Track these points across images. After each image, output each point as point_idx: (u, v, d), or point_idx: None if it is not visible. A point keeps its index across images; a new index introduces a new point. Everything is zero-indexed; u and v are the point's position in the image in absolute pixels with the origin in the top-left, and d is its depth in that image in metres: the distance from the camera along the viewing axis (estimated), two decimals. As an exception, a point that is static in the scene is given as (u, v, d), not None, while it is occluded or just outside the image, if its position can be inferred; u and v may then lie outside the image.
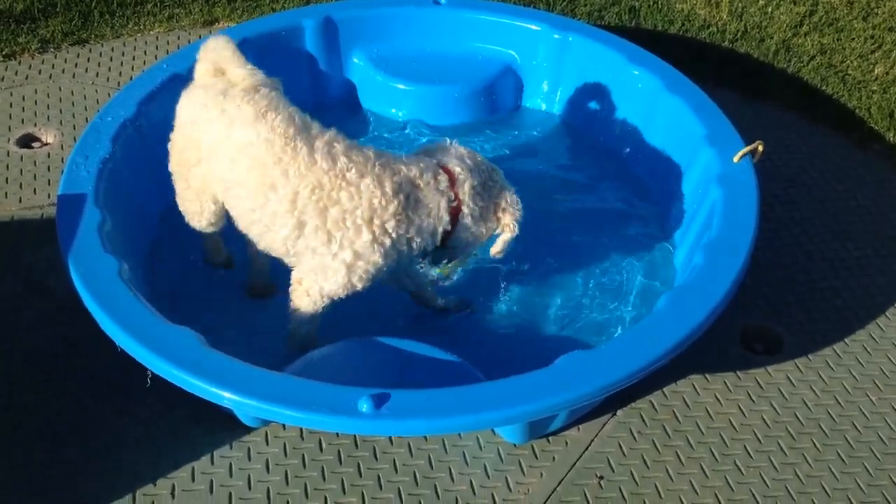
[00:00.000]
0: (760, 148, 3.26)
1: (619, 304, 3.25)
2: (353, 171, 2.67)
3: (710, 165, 3.29)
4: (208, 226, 3.08)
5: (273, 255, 2.89)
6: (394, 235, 2.71)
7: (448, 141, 2.91)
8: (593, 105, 3.96)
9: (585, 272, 3.37)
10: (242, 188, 2.76)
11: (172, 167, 3.03)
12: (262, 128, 2.69)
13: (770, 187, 3.82)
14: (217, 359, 2.52)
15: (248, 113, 2.72)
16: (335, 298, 2.81)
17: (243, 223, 2.87)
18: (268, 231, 2.78)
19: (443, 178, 2.76)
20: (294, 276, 2.85)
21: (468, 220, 2.80)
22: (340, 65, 4.13)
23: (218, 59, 2.89)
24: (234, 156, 2.75)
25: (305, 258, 2.78)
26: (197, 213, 3.05)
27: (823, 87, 4.45)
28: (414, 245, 2.78)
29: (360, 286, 2.79)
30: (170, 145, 3.00)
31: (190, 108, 2.88)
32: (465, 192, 2.78)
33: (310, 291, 2.81)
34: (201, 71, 2.94)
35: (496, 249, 2.91)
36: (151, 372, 2.59)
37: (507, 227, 2.85)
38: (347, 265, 2.72)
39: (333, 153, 2.70)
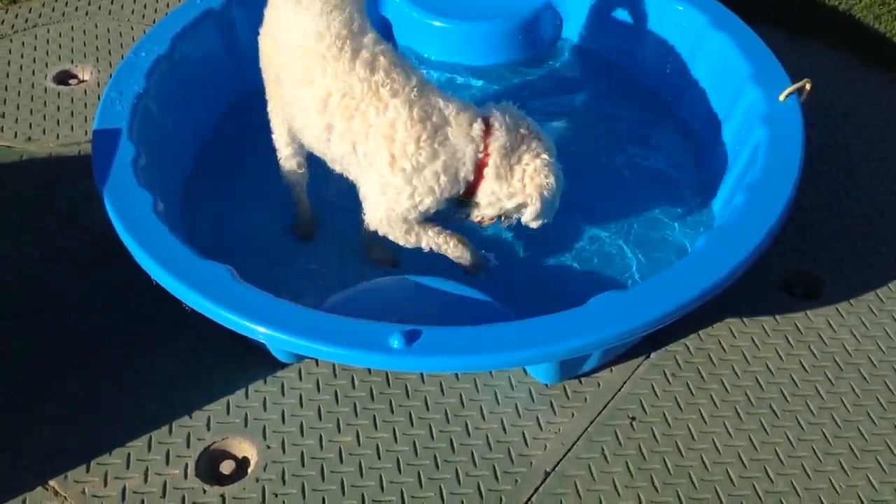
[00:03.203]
0: (808, 86, 3.15)
1: (657, 244, 3.19)
2: (388, 88, 2.65)
3: (754, 104, 3.19)
4: (286, 150, 3.10)
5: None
6: (413, 162, 2.67)
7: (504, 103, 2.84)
8: (635, 42, 3.85)
9: (622, 212, 3.31)
10: (288, 75, 2.79)
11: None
12: (321, 22, 2.69)
13: (817, 129, 3.70)
14: (250, 293, 2.53)
15: (316, 6, 2.71)
16: (401, 217, 2.81)
17: (286, 114, 2.94)
18: (303, 127, 2.83)
19: (477, 125, 2.70)
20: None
21: (492, 177, 2.72)
22: (375, 1, 4.05)
23: None
24: (291, 42, 2.76)
25: (348, 166, 2.84)
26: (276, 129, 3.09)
27: (876, 26, 4.28)
28: (439, 182, 2.72)
29: (399, 209, 2.76)
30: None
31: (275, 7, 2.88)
32: (495, 147, 2.69)
33: (374, 210, 2.84)
34: None
35: (525, 220, 2.84)
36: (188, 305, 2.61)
37: (529, 196, 2.75)
38: (379, 185, 2.74)
39: (375, 65, 2.68)
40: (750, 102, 3.24)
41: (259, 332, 2.47)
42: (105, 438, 2.64)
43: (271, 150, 3.57)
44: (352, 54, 2.68)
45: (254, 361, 2.84)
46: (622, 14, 3.88)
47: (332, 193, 3.31)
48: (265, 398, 2.76)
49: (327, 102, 2.71)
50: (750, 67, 3.33)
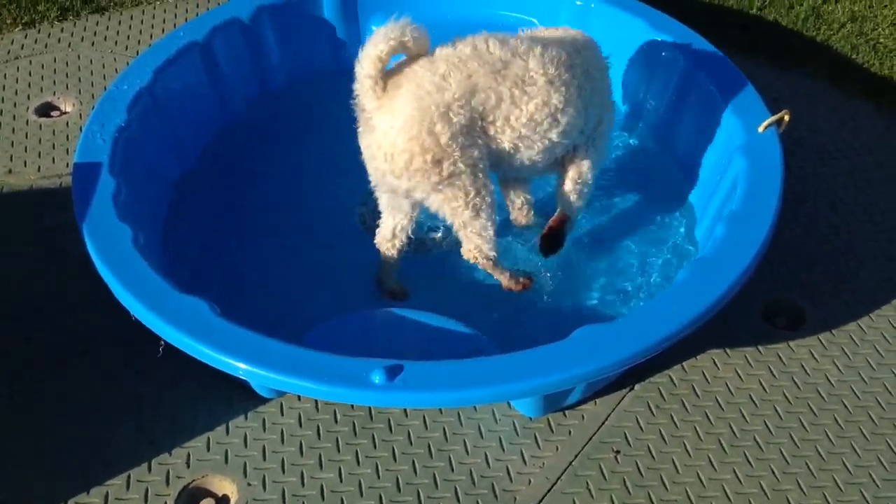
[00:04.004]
0: (787, 118, 3.18)
1: (638, 276, 3.19)
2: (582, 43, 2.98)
3: (733, 135, 3.21)
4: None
5: (545, 170, 3.05)
6: None
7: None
8: (615, 74, 3.86)
9: (604, 244, 3.32)
10: (541, 111, 2.76)
11: (399, 179, 2.73)
12: (521, 48, 2.76)
13: (797, 158, 3.74)
14: (229, 329, 2.50)
15: (505, 48, 2.76)
16: None
17: (531, 154, 2.83)
18: (565, 134, 2.86)
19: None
20: (572, 175, 3.04)
21: None
22: (359, 33, 4.06)
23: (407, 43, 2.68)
24: (525, 89, 2.73)
25: (584, 147, 3.02)
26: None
27: (854, 56, 4.33)
28: None
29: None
30: (394, 159, 2.67)
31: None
32: None
33: (588, 179, 3.08)
34: (376, 66, 2.64)
35: None
36: (164, 341, 2.59)
37: None
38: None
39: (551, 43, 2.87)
40: (729, 133, 3.26)
41: (239, 368, 2.45)
42: (83, 477, 2.60)
43: (256, 181, 3.59)
44: (547, 45, 2.81)
45: (235, 396, 2.81)
46: (604, 46, 3.89)
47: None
48: (246, 434, 2.73)
49: (581, 88, 2.85)
50: (729, 97, 3.35)
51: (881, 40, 4.42)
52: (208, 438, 2.71)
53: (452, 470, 2.64)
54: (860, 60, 4.30)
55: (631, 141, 3.77)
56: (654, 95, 3.73)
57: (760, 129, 3.16)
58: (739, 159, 3.08)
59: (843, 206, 3.56)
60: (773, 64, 4.28)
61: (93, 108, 3.29)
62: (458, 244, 3.31)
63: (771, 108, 3.28)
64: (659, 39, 3.67)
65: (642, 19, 3.75)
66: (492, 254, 2.92)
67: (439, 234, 3.36)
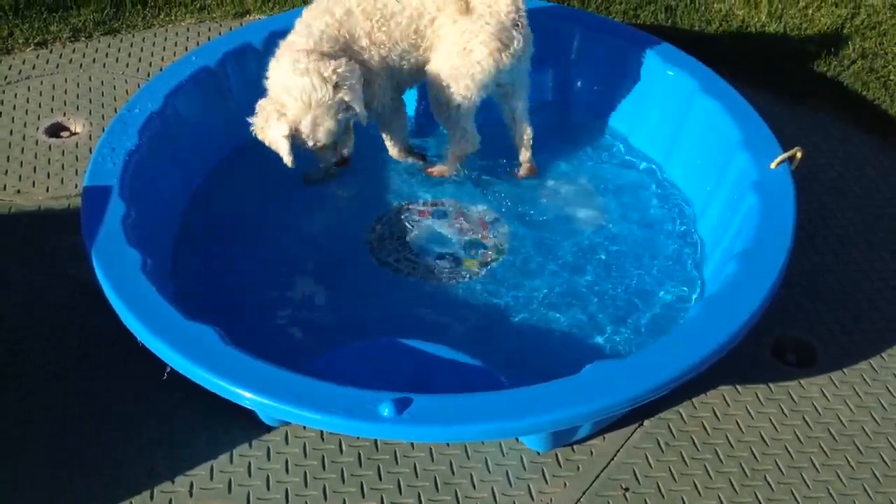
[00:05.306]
0: (799, 154, 3.17)
1: (649, 312, 3.16)
2: None
3: (745, 171, 3.20)
4: None
5: None
6: None
7: None
8: (626, 107, 3.87)
9: (615, 278, 3.29)
10: None
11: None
12: None
13: (807, 194, 3.71)
14: (237, 357, 2.48)
15: None
16: None
17: None
18: None
19: None
20: None
21: None
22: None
23: None
24: None
25: None
26: None
27: (864, 92, 4.33)
28: None
29: None
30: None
31: None
32: None
33: None
34: None
35: None
36: (170, 367, 2.56)
37: None
38: None
39: None
40: (741, 169, 3.25)
41: (243, 397, 2.42)
42: (83, 504, 2.57)
43: (265, 208, 3.58)
44: None
45: (239, 423, 2.78)
46: (614, 79, 3.90)
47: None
48: (250, 463, 2.70)
49: None
50: (740, 133, 3.34)
51: (892, 77, 4.42)
52: (211, 466, 2.68)
53: (458, 504, 2.61)
54: (871, 97, 4.30)
55: (641, 175, 3.75)
56: (665, 130, 3.72)
57: (772, 166, 3.15)
58: (751, 196, 3.06)
59: (854, 244, 3.54)
60: (783, 99, 4.27)
61: (103, 129, 3.29)
62: (464, 273, 3.30)
63: (782, 144, 3.27)
64: (670, 73, 3.67)
65: (654, 53, 3.75)
66: None
67: (448, 262, 3.34)
